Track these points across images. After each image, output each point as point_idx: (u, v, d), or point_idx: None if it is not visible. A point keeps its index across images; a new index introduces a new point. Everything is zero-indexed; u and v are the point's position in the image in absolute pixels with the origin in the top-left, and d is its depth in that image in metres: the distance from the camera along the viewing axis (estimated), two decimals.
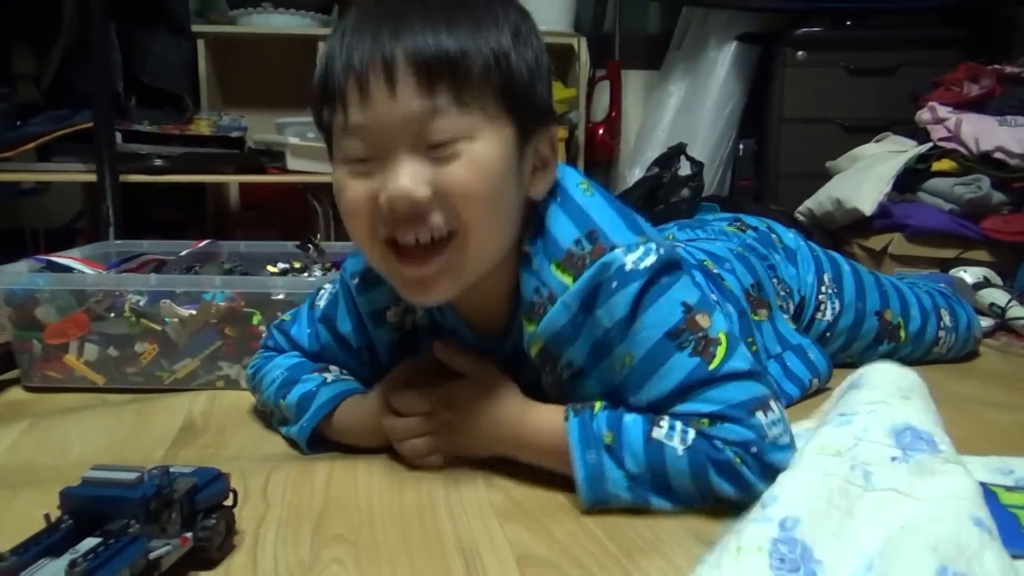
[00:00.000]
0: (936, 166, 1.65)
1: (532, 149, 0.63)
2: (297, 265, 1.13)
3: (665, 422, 0.60)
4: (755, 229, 1.02)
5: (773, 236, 1.01)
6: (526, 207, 0.64)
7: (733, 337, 0.62)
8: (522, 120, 0.61)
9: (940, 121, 1.66)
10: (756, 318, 0.88)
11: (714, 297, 0.80)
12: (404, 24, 0.57)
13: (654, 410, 0.62)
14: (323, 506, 0.62)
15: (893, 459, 0.52)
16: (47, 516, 0.49)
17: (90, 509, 0.49)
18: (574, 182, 0.67)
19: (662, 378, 0.61)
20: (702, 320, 0.62)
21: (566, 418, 0.62)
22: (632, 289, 0.60)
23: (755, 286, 0.90)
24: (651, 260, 0.61)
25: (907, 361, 1.03)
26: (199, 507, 0.53)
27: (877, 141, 1.87)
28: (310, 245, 1.18)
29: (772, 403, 0.61)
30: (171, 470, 0.53)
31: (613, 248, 0.61)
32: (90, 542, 0.47)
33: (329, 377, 0.76)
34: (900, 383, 0.61)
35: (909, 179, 1.67)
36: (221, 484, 0.55)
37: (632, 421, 0.61)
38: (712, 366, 0.60)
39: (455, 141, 0.57)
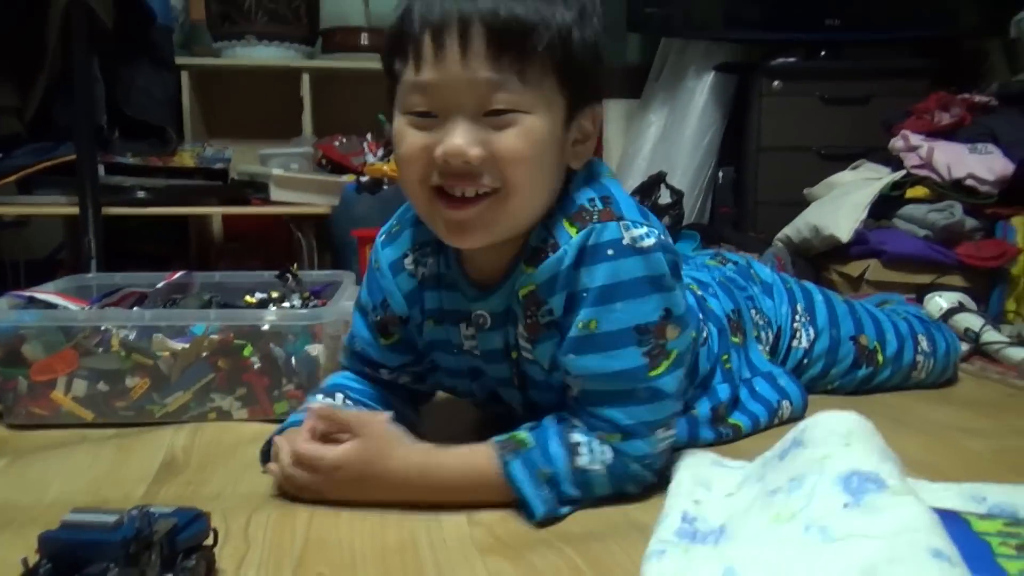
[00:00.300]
0: (910, 193, 1.69)
1: (577, 123, 0.67)
2: (275, 295, 1.14)
3: (583, 443, 0.66)
4: (735, 263, 1.06)
5: (751, 271, 1.05)
6: (564, 175, 0.69)
7: (681, 358, 0.69)
8: (574, 96, 0.65)
9: (913, 149, 1.70)
10: (734, 340, 0.91)
11: (700, 316, 0.85)
12: None
13: (582, 386, 0.68)
14: (304, 545, 0.62)
15: (845, 506, 0.53)
16: (25, 561, 0.49)
17: (69, 553, 0.49)
18: (603, 168, 0.74)
19: (608, 358, 0.66)
20: (671, 331, 0.67)
21: (505, 461, 0.65)
22: (624, 265, 0.65)
23: (735, 312, 0.94)
24: (650, 242, 0.66)
25: (887, 387, 1.06)
26: (179, 548, 0.52)
27: (852, 168, 1.90)
28: (288, 275, 1.19)
29: (672, 422, 0.70)
30: (151, 511, 0.53)
31: (620, 219, 0.66)
32: None
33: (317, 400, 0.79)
34: (839, 430, 0.63)
35: (884, 206, 1.70)
36: (201, 524, 0.55)
37: (555, 450, 0.66)
38: (651, 373, 0.67)
39: (512, 111, 0.62)
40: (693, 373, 0.83)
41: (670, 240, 0.70)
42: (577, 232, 0.66)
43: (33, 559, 0.49)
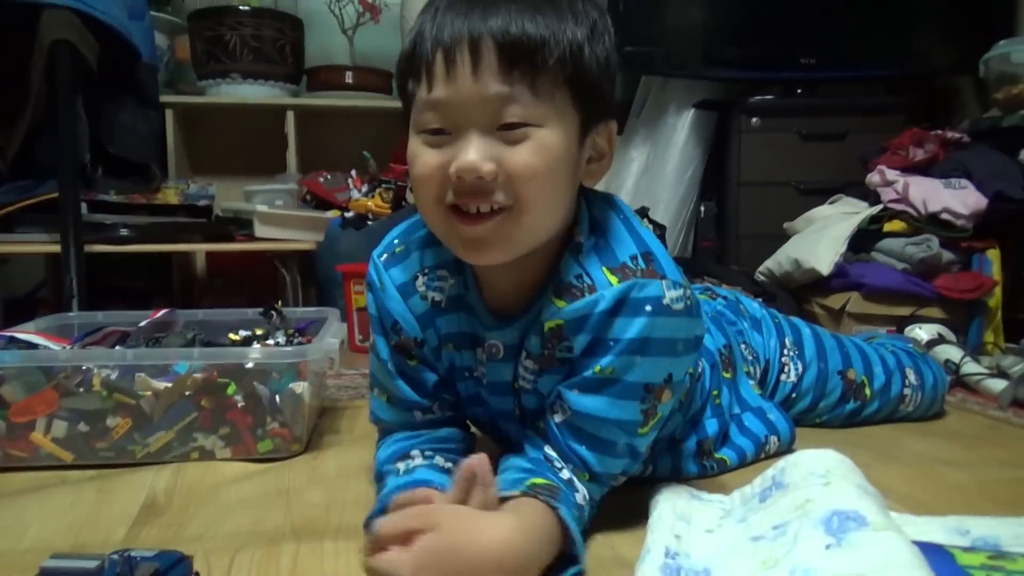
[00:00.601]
0: (887, 227, 1.72)
1: (591, 140, 0.68)
2: (260, 332, 1.13)
3: (574, 480, 0.67)
4: (724, 298, 1.07)
5: (741, 306, 1.06)
6: (579, 194, 0.70)
7: (660, 420, 0.71)
8: (587, 112, 0.65)
9: (889, 184, 1.74)
10: (725, 375, 0.92)
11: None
12: (493, 7, 0.61)
13: (571, 420, 0.68)
14: None
15: (828, 547, 0.54)
16: None
17: None
18: (631, 212, 0.73)
19: (613, 406, 0.67)
20: (666, 395, 0.69)
21: (553, 507, 0.62)
22: (657, 324, 0.65)
23: (726, 347, 0.95)
24: (681, 306, 0.67)
25: (875, 420, 1.07)
26: None
27: (831, 203, 1.94)
28: (273, 312, 1.18)
29: (631, 471, 0.73)
30: (132, 555, 0.52)
31: (663, 277, 0.67)
32: None
33: (401, 468, 0.73)
34: (818, 470, 0.65)
35: (863, 239, 1.73)
36: (184, 567, 0.54)
37: (569, 490, 0.66)
38: (640, 430, 0.69)
39: (525, 125, 0.62)
40: (687, 409, 0.84)
41: (695, 296, 0.70)
42: (618, 282, 0.66)
43: None
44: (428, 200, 0.65)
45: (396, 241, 0.78)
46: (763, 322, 1.04)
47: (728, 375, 0.93)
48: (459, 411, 0.81)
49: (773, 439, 0.92)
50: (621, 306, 0.66)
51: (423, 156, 0.64)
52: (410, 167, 0.67)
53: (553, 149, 0.63)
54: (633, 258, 0.68)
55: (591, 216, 0.71)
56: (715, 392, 0.89)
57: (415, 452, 0.75)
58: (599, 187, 0.74)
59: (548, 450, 0.69)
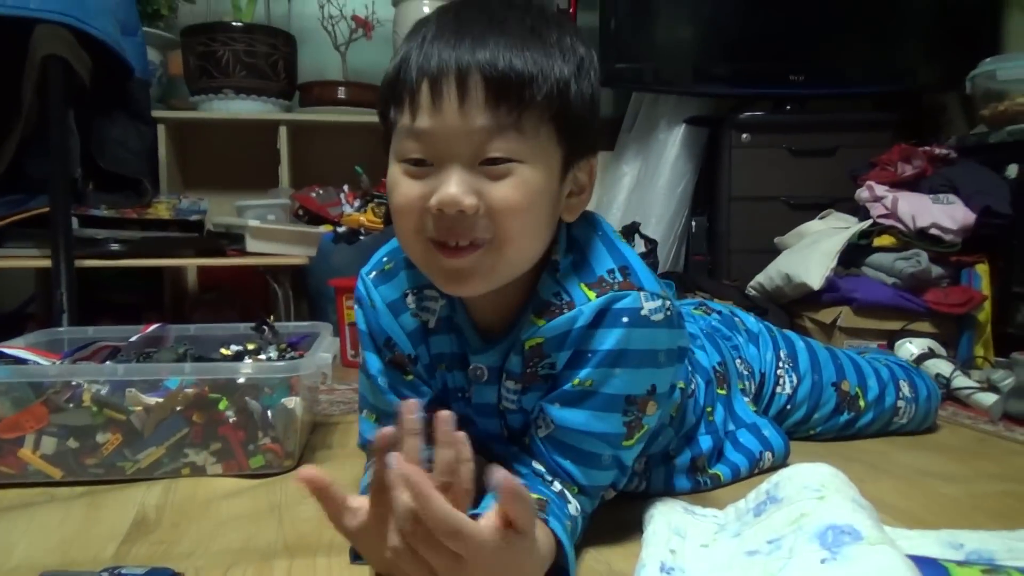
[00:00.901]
0: (877, 242, 1.73)
1: (573, 175, 0.67)
2: (252, 347, 1.13)
3: (565, 492, 0.67)
4: (719, 313, 1.07)
5: (736, 319, 1.06)
6: (557, 225, 0.69)
7: (647, 434, 0.71)
8: (570, 148, 0.65)
9: (878, 199, 1.75)
10: (720, 392, 0.92)
11: (689, 368, 0.86)
12: (482, 41, 0.60)
13: (554, 434, 0.68)
14: None
15: (823, 561, 0.54)
16: None
17: None
18: (611, 230, 0.74)
19: (595, 418, 0.67)
20: (650, 408, 0.69)
21: (543, 519, 0.61)
22: (635, 335, 0.66)
23: (721, 364, 0.95)
24: (660, 317, 0.67)
25: (869, 432, 1.08)
26: None
27: (821, 218, 1.95)
28: (265, 326, 1.18)
29: (619, 484, 0.74)
30: (122, 572, 0.51)
31: (640, 289, 0.67)
32: None
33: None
34: (812, 484, 0.65)
35: (853, 254, 1.74)
36: None
37: (560, 503, 0.66)
38: (624, 442, 0.69)
39: (508, 161, 0.61)
40: (680, 424, 0.84)
41: (678, 308, 0.71)
42: (596, 296, 0.67)
43: None
44: (408, 230, 0.65)
45: (385, 259, 0.78)
46: (760, 336, 1.05)
47: (723, 391, 0.93)
48: None
49: (767, 455, 0.92)
50: (600, 318, 0.66)
51: (403, 187, 0.63)
52: (389, 195, 0.66)
53: (534, 185, 0.62)
54: (610, 271, 0.68)
55: (569, 235, 0.71)
56: (709, 409, 0.89)
57: None
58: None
59: (536, 465, 0.69)
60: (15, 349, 1.01)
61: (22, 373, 0.92)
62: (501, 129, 0.60)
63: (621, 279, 0.68)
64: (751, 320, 1.08)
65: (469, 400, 0.77)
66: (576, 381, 0.67)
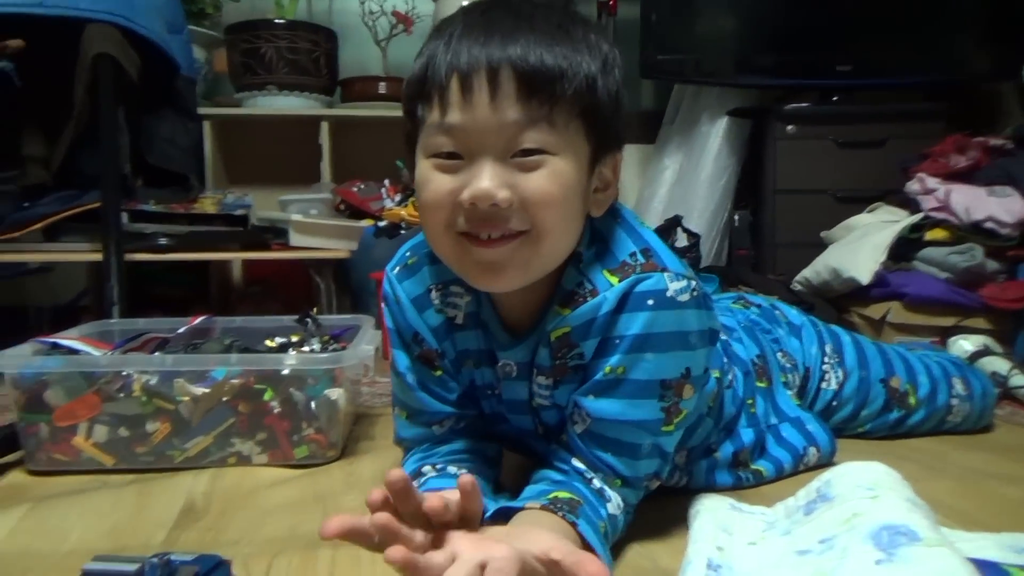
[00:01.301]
0: (929, 235, 1.68)
1: (599, 170, 0.67)
2: (296, 339, 1.14)
3: (605, 490, 0.67)
4: (759, 306, 1.05)
5: (777, 312, 1.04)
6: (585, 220, 0.69)
7: (687, 418, 0.70)
8: (598, 143, 0.66)
9: (930, 192, 1.70)
10: (760, 385, 0.90)
11: (725, 359, 0.84)
12: (512, 37, 0.61)
13: (592, 428, 0.67)
14: None
15: (878, 562, 0.53)
16: None
17: None
18: (633, 215, 0.73)
19: (630, 406, 0.66)
20: (686, 391, 0.68)
21: (571, 522, 0.61)
22: (662, 317, 0.65)
23: (760, 357, 0.93)
24: (686, 297, 0.66)
25: (922, 431, 1.05)
26: None
27: (870, 211, 1.90)
28: (308, 319, 1.19)
29: (663, 473, 0.72)
30: (172, 559, 0.52)
31: (664, 270, 0.66)
32: None
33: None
34: (864, 482, 0.64)
35: (904, 248, 1.69)
36: (223, 572, 0.55)
37: (598, 502, 0.65)
38: (663, 428, 0.68)
39: (541, 152, 0.61)
40: (718, 415, 0.82)
41: (704, 289, 0.69)
42: (619, 281, 0.66)
43: None
44: (438, 227, 0.64)
45: (408, 254, 0.78)
46: (803, 329, 1.02)
47: (763, 384, 0.91)
48: (480, 423, 0.80)
49: (812, 451, 0.90)
50: (624, 303, 0.66)
51: (435, 182, 0.63)
52: (418, 192, 0.65)
53: (567, 177, 0.63)
54: (632, 255, 0.68)
55: (592, 228, 0.70)
56: (750, 401, 0.88)
57: (427, 468, 0.73)
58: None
59: (576, 462, 0.68)
60: (69, 340, 1.03)
61: (76, 363, 0.94)
62: (533, 122, 0.61)
63: (643, 260, 0.67)
64: (793, 313, 1.05)
65: (499, 397, 0.76)
66: (607, 369, 0.66)
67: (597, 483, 0.67)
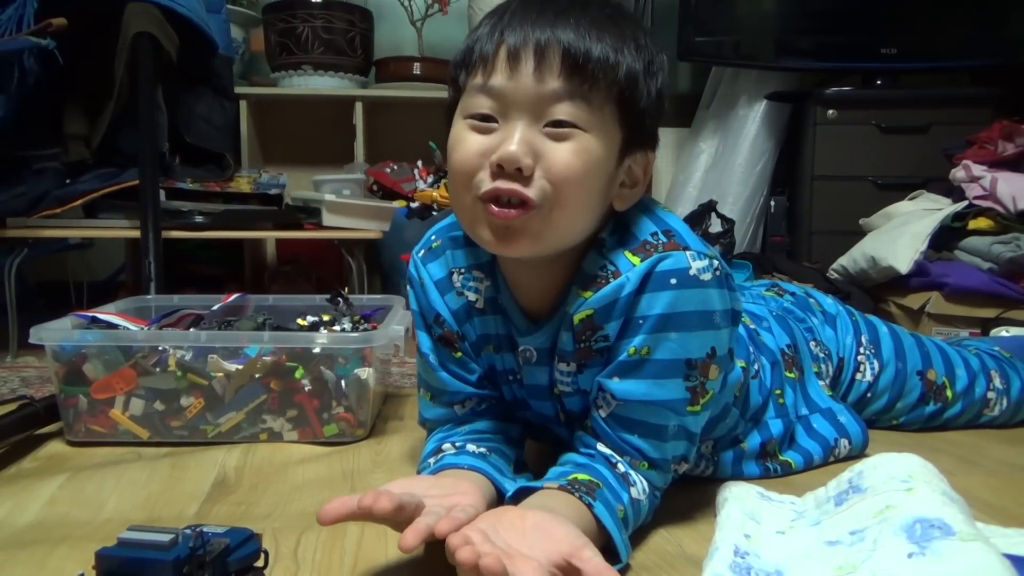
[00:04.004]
0: (972, 224, 1.64)
1: (628, 164, 0.67)
2: (327, 318, 1.15)
3: (630, 474, 0.67)
4: (792, 295, 1.03)
5: (811, 300, 1.03)
6: (607, 213, 0.69)
7: (714, 399, 0.70)
8: (630, 135, 0.66)
9: (975, 179, 1.65)
10: (789, 375, 0.88)
11: (751, 349, 0.83)
12: (563, 18, 0.63)
13: (617, 410, 0.67)
14: (353, 568, 0.62)
15: (911, 556, 0.51)
16: None
17: (124, 570, 0.50)
18: (654, 202, 0.73)
19: (655, 386, 0.66)
20: (712, 371, 0.68)
21: (588, 503, 0.61)
22: (685, 296, 0.65)
23: (791, 347, 0.92)
24: (708, 276, 0.65)
25: (957, 424, 1.03)
26: (231, 569, 0.53)
27: (911, 199, 1.86)
28: (340, 298, 1.20)
29: (690, 456, 0.71)
30: (204, 531, 0.53)
31: (686, 248, 0.66)
32: None
33: (432, 463, 0.73)
34: (899, 474, 0.62)
35: (945, 237, 1.65)
36: (253, 545, 0.55)
37: (619, 486, 0.65)
38: (689, 408, 0.67)
39: (572, 126, 0.63)
40: (744, 405, 0.81)
41: (728, 270, 0.69)
42: (640, 261, 0.66)
43: (90, 575, 0.50)
44: (461, 186, 0.65)
45: (433, 237, 0.79)
46: (838, 318, 1.00)
47: (793, 375, 0.89)
48: (503, 405, 0.80)
49: (843, 442, 0.88)
50: (646, 283, 0.65)
51: (467, 142, 0.65)
52: (450, 153, 0.67)
53: (594, 154, 0.63)
54: (653, 234, 0.68)
55: (617, 218, 0.70)
56: (778, 391, 0.86)
57: (447, 445, 0.74)
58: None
59: (601, 447, 0.68)
60: (107, 315, 1.06)
61: (113, 337, 0.96)
62: (571, 96, 0.62)
63: (665, 240, 0.67)
64: (828, 302, 1.04)
65: (521, 382, 0.76)
66: (631, 350, 0.66)
67: (622, 467, 0.67)
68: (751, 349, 0.84)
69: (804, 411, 0.89)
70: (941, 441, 0.99)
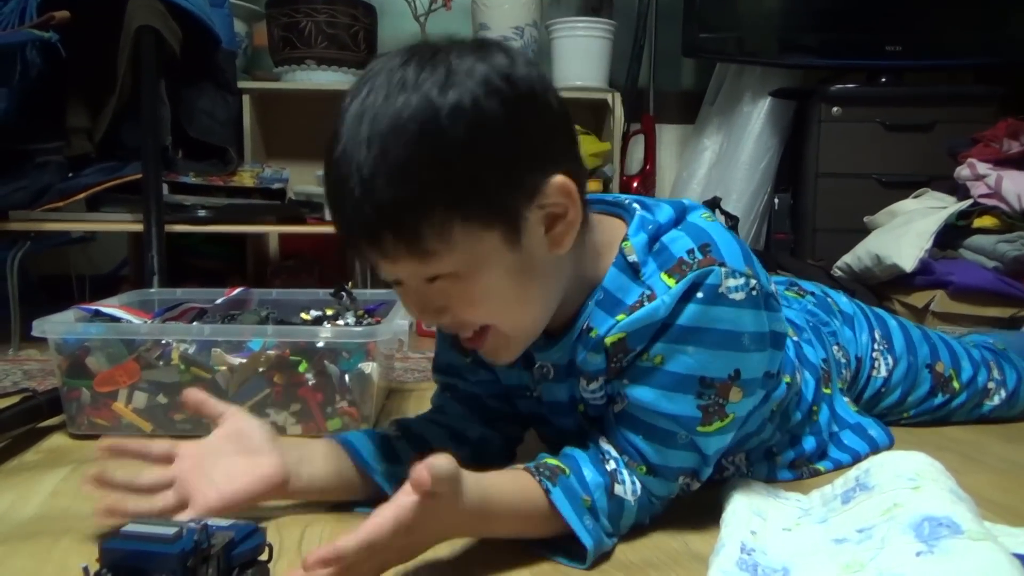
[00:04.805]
0: (977, 222, 1.64)
1: (533, 220, 0.60)
2: (330, 312, 1.15)
3: (618, 472, 0.65)
4: (812, 294, 1.01)
5: (829, 300, 1.01)
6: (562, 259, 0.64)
7: (735, 423, 0.66)
8: (503, 218, 0.59)
9: (980, 178, 1.65)
10: (825, 391, 0.88)
11: (796, 363, 0.81)
12: (364, 197, 0.56)
13: (627, 408, 0.66)
14: None
15: (919, 554, 0.51)
16: (86, 569, 0.49)
17: (129, 563, 0.49)
18: (698, 213, 0.69)
19: (663, 397, 0.64)
20: (734, 393, 0.65)
21: (546, 490, 0.61)
22: (710, 313, 0.62)
23: (825, 360, 0.90)
24: (741, 296, 0.63)
25: (960, 414, 1.03)
26: (235, 563, 0.52)
27: (916, 197, 1.86)
28: (343, 293, 1.19)
29: (701, 474, 0.68)
30: (208, 524, 0.53)
31: (722, 264, 0.63)
32: None
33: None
34: (906, 472, 0.62)
35: (950, 236, 1.65)
36: (258, 539, 0.55)
37: (592, 478, 0.64)
38: (699, 428, 0.65)
39: (449, 274, 0.59)
40: (783, 419, 0.80)
41: (770, 289, 0.66)
42: (675, 283, 0.63)
43: (94, 567, 0.50)
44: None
45: None
46: (855, 317, 0.99)
47: (828, 391, 0.88)
48: (505, 407, 0.80)
49: (872, 454, 0.88)
50: (683, 299, 0.63)
51: (400, 300, 0.67)
52: None
53: (485, 284, 0.60)
54: (690, 251, 0.64)
55: (647, 235, 0.66)
56: (815, 408, 0.84)
57: (392, 429, 0.77)
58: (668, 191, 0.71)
59: (603, 443, 0.67)
60: (111, 308, 1.05)
61: (117, 331, 0.96)
62: (423, 258, 0.58)
63: (701, 257, 0.63)
64: (844, 300, 1.02)
65: (539, 399, 0.75)
66: (645, 356, 0.64)
67: (612, 464, 0.65)
68: (795, 363, 0.81)
69: (834, 428, 0.88)
70: (946, 439, 0.98)
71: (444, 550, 0.62)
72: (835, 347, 0.94)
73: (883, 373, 0.98)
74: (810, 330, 0.91)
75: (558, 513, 0.61)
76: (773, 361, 0.69)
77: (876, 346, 0.98)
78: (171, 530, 0.50)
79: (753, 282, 0.64)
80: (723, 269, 0.63)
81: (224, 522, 0.54)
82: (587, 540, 0.60)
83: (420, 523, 0.54)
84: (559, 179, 0.60)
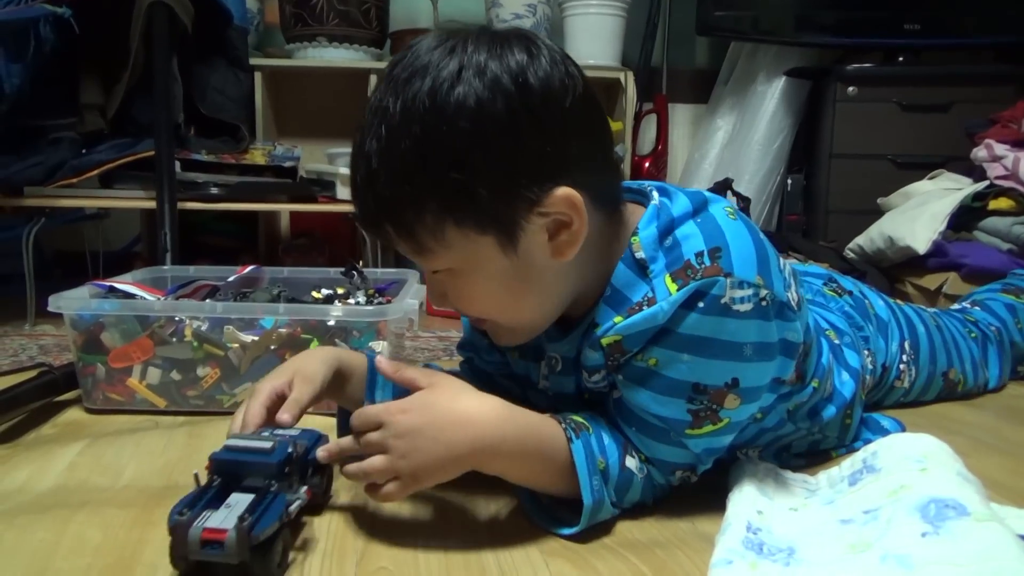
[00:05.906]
0: (993, 205, 1.62)
1: (533, 228, 0.60)
2: (341, 291, 1.15)
3: (631, 447, 0.66)
4: (850, 294, 0.99)
5: (867, 303, 0.98)
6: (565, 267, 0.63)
7: (730, 428, 0.65)
8: (496, 226, 0.59)
9: (997, 159, 1.63)
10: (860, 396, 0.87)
11: (834, 365, 0.80)
12: (369, 184, 0.59)
13: (623, 397, 0.66)
14: (369, 538, 0.62)
15: (924, 535, 0.51)
16: (196, 476, 0.59)
17: (235, 471, 0.58)
18: (720, 206, 0.66)
19: (654, 400, 0.63)
20: (730, 400, 0.63)
21: (569, 439, 0.62)
22: (709, 323, 0.61)
23: (862, 367, 0.88)
24: (747, 307, 0.61)
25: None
26: (310, 465, 0.63)
27: (931, 178, 1.84)
28: (354, 271, 1.20)
29: (696, 470, 0.68)
30: (289, 434, 0.62)
31: (728, 275, 0.60)
32: (239, 497, 0.55)
33: None
34: (913, 454, 0.62)
35: (964, 217, 1.64)
36: (324, 444, 0.65)
37: (610, 443, 0.64)
38: (689, 431, 0.64)
39: (447, 270, 0.63)
40: (811, 420, 0.78)
41: (785, 298, 0.65)
42: (678, 289, 0.60)
43: (203, 475, 0.59)
44: None
45: None
46: (888, 325, 0.98)
47: (863, 396, 0.88)
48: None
49: None
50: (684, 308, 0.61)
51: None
52: None
53: (482, 287, 0.63)
54: (698, 255, 0.61)
55: (658, 228, 0.64)
56: (848, 411, 0.82)
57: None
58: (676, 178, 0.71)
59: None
60: (125, 284, 1.06)
61: (131, 307, 0.97)
62: (424, 251, 0.61)
63: (708, 263, 0.61)
64: (880, 304, 1.00)
65: (547, 391, 0.75)
66: (640, 357, 0.63)
67: (624, 439, 0.66)
68: (832, 368, 0.79)
69: (862, 433, 0.86)
70: (956, 423, 0.98)
71: (452, 532, 0.62)
72: (865, 351, 0.92)
73: (906, 384, 0.99)
74: (852, 333, 0.89)
75: (572, 465, 0.61)
76: (784, 368, 0.67)
77: (904, 357, 0.98)
78: (267, 443, 0.59)
79: (764, 292, 0.62)
80: (728, 280, 0.60)
81: (294, 432, 0.63)
82: (587, 498, 0.60)
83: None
84: (563, 191, 0.59)
